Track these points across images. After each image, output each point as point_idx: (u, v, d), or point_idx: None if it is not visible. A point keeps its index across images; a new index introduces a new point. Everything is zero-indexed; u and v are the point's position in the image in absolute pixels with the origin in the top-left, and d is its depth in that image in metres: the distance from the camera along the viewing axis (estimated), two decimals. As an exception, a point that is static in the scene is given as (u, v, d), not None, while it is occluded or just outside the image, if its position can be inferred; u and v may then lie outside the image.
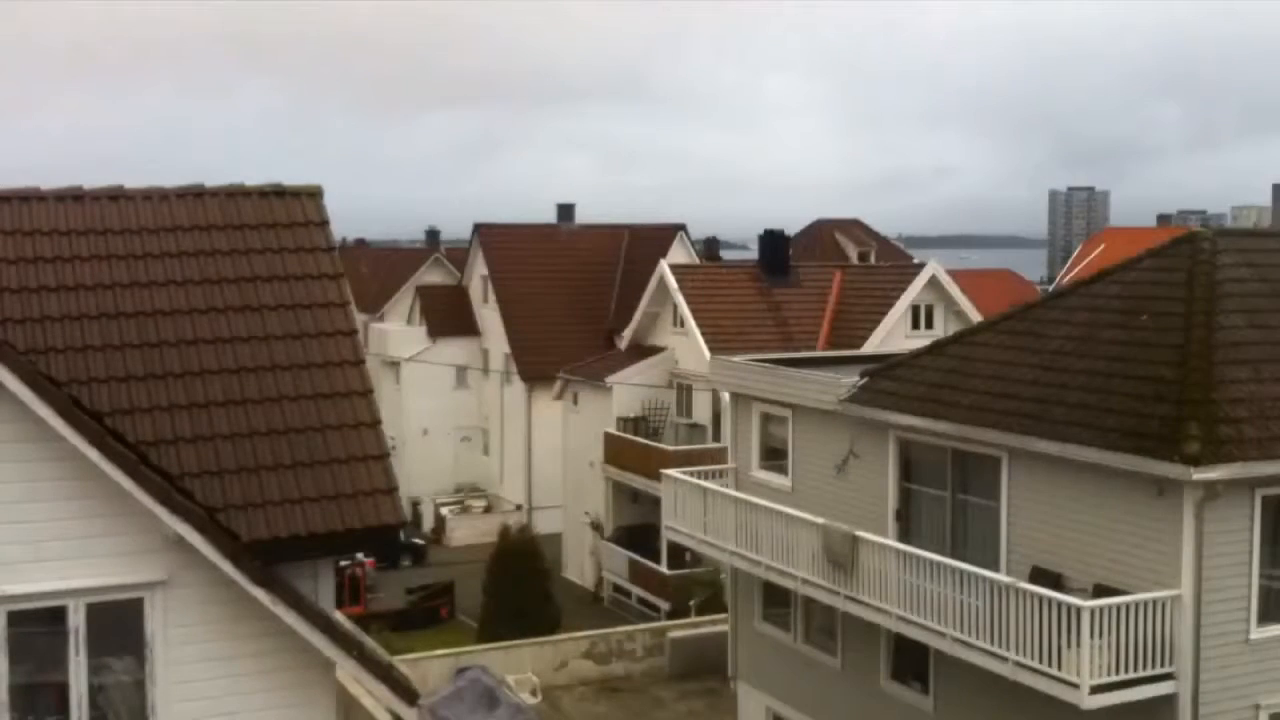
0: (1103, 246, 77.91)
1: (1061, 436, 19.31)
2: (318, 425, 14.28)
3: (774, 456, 26.58)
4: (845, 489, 23.98)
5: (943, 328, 42.36)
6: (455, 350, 64.37)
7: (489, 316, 63.38)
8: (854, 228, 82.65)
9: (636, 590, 43.67)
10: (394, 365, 65.22)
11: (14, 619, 12.27)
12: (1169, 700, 18.08)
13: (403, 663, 26.18)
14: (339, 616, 15.36)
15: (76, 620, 12.46)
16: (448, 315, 65.65)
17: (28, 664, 12.49)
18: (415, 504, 60.76)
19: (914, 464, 22.87)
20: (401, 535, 51.41)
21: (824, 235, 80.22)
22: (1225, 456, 17.62)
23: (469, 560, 47.14)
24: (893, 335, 42.36)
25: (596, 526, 46.76)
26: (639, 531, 43.78)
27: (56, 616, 12.46)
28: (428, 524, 61.51)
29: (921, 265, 47.33)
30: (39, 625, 12.47)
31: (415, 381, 64.33)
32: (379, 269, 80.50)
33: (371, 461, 14.21)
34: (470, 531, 57.99)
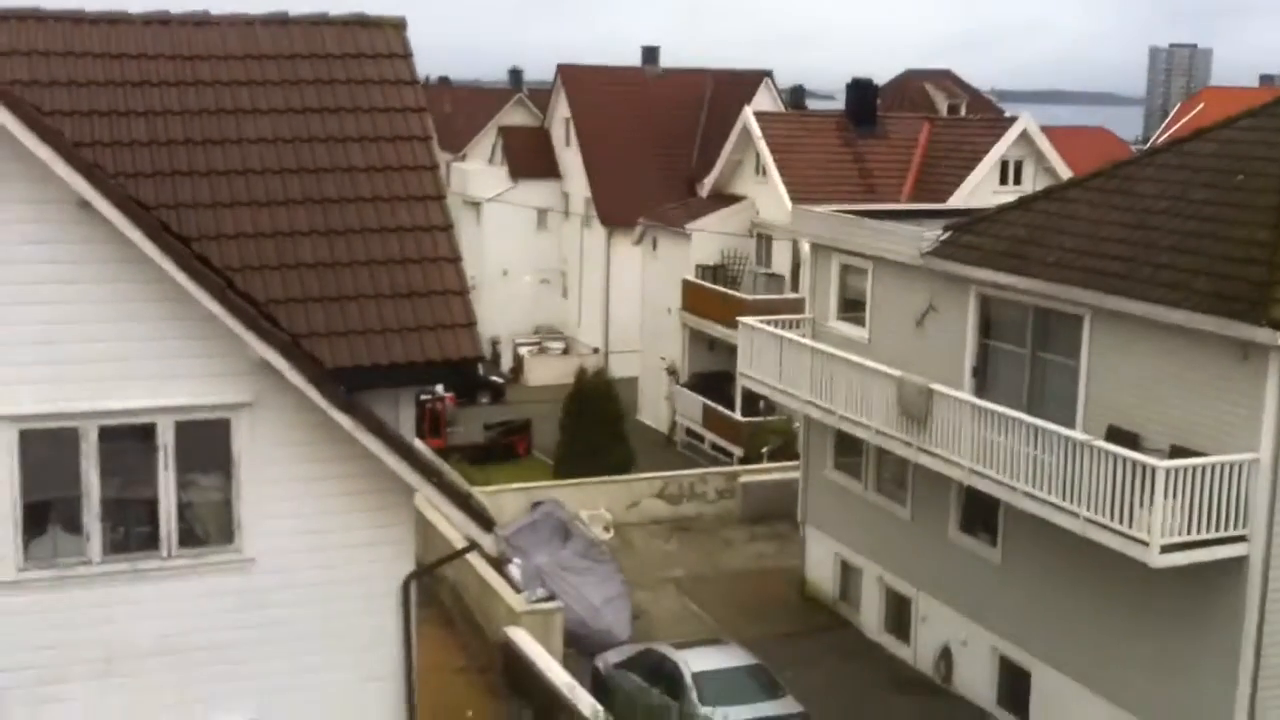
0: (1202, 106, 75.57)
1: (1147, 297, 19.02)
2: (399, 258, 14.44)
3: (852, 308, 26.48)
4: (922, 343, 23.88)
5: (1032, 184, 41.54)
6: (536, 192, 64.29)
7: (570, 159, 63.10)
8: (944, 80, 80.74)
9: (710, 436, 44.09)
10: (475, 206, 65.36)
11: (105, 434, 12.67)
12: (1240, 563, 18.06)
13: (480, 494, 26.79)
14: (419, 445, 15.72)
15: (165, 438, 12.84)
16: (529, 157, 65.44)
17: (119, 479, 12.93)
18: (494, 343, 61.46)
19: (993, 321, 22.68)
20: (480, 372, 52.31)
21: (913, 87, 78.46)
22: (1315, 321, 17.29)
23: (546, 400, 47.73)
24: (980, 190, 41.61)
25: (672, 372, 47.07)
26: (714, 378, 44.03)
27: (147, 434, 12.85)
28: (506, 363, 62.29)
29: (1012, 119, 46.24)
30: (130, 442, 12.88)
31: (496, 222, 64.49)
32: (461, 108, 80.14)
33: (452, 296, 14.38)
34: (547, 372, 58.63)
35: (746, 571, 29.66)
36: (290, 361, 12.67)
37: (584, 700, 19.35)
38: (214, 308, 12.42)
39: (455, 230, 15.22)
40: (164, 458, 12.88)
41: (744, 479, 33.68)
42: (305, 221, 14.39)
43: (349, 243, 14.39)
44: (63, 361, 12.35)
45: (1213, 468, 17.81)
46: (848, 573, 27.06)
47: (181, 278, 12.32)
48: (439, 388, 45.32)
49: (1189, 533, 17.88)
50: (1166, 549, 17.79)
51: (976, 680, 23.19)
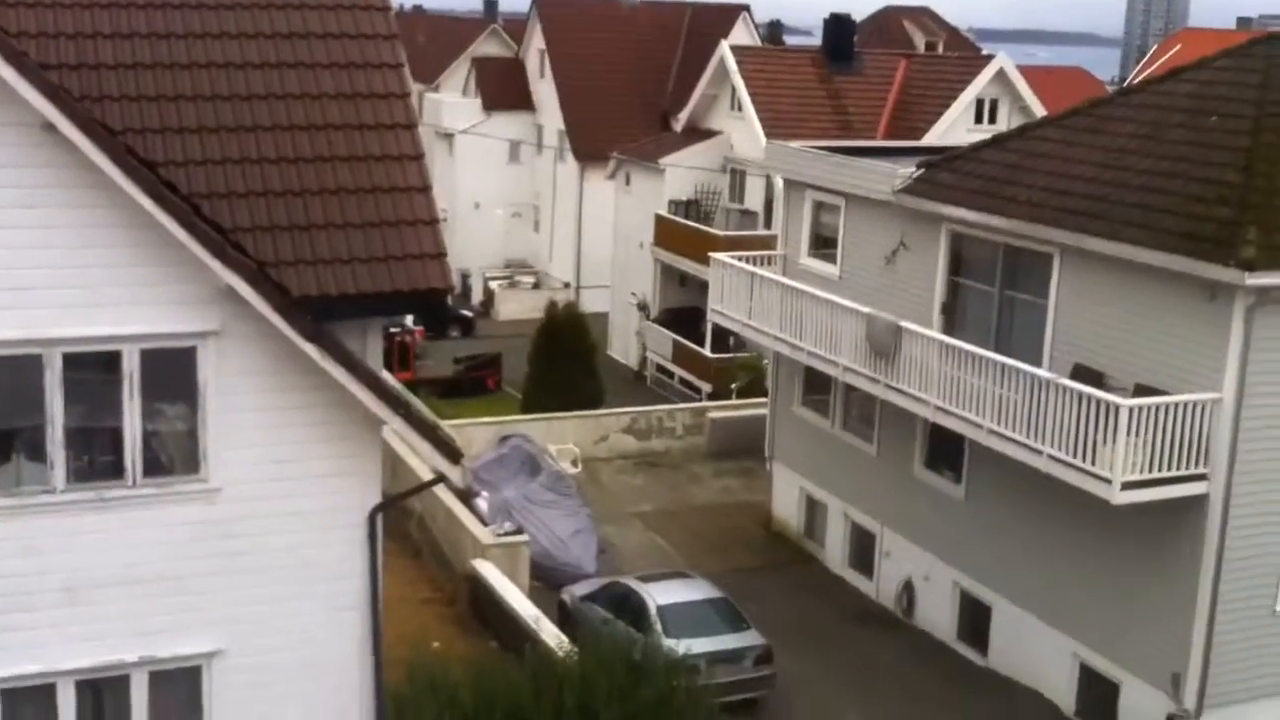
0: (1179, 47, 75.46)
1: (1117, 236, 19.10)
2: (369, 187, 14.28)
3: (824, 245, 26.48)
4: (893, 281, 23.93)
5: (1007, 123, 41.48)
6: (510, 124, 63.80)
7: (545, 91, 62.58)
8: (923, 16, 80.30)
9: (679, 372, 44.18)
10: (447, 138, 64.84)
11: (70, 362, 12.53)
12: (1200, 501, 18.29)
13: (448, 428, 26.80)
14: (388, 377, 15.68)
15: (130, 365, 12.72)
16: (503, 88, 64.87)
17: (83, 407, 12.84)
18: (464, 276, 61.27)
19: (964, 259, 22.74)
20: (450, 305, 52.06)
21: (891, 23, 78.05)
22: (1281, 263, 17.42)
23: (516, 334, 47.66)
24: (955, 129, 41.55)
25: (643, 307, 47.06)
26: (685, 314, 44.05)
27: (112, 362, 12.75)
28: (476, 297, 62.13)
29: (989, 58, 46.11)
30: (94, 370, 12.78)
31: (468, 155, 64.02)
32: (435, 38, 79.24)
33: (422, 226, 14.25)
34: (518, 306, 58.52)
35: (713, 506, 29.86)
36: (257, 290, 12.56)
37: (549, 632, 19.53)
38: (180, 234, 12.27)
39: (426, 160, 15.08)
40: (129, 386, 12.78)
41: (712, 415, 33.81)
42: (273, 148, 14.20)
43: (317, 170, 14.22)
44: (26, 288, 12.20)
45: (1176, 407, 17.98)
46: (813, 508, 27.27)
47: (147, 203, 12.17)
48: (408, 320, 45.19)
49: (1151, 470, 18.08)
50: (1128, 486, 18.00)
51: (937, 614, 23.48)
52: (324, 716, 13.90)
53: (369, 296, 13.51)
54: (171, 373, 12.91)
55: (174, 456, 13.21)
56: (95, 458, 12.97)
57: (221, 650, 13.40)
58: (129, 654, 13.10)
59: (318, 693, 13.85)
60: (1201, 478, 18.26)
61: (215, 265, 12.43)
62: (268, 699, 13.64)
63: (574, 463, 30.95)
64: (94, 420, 12.94)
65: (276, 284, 12.87)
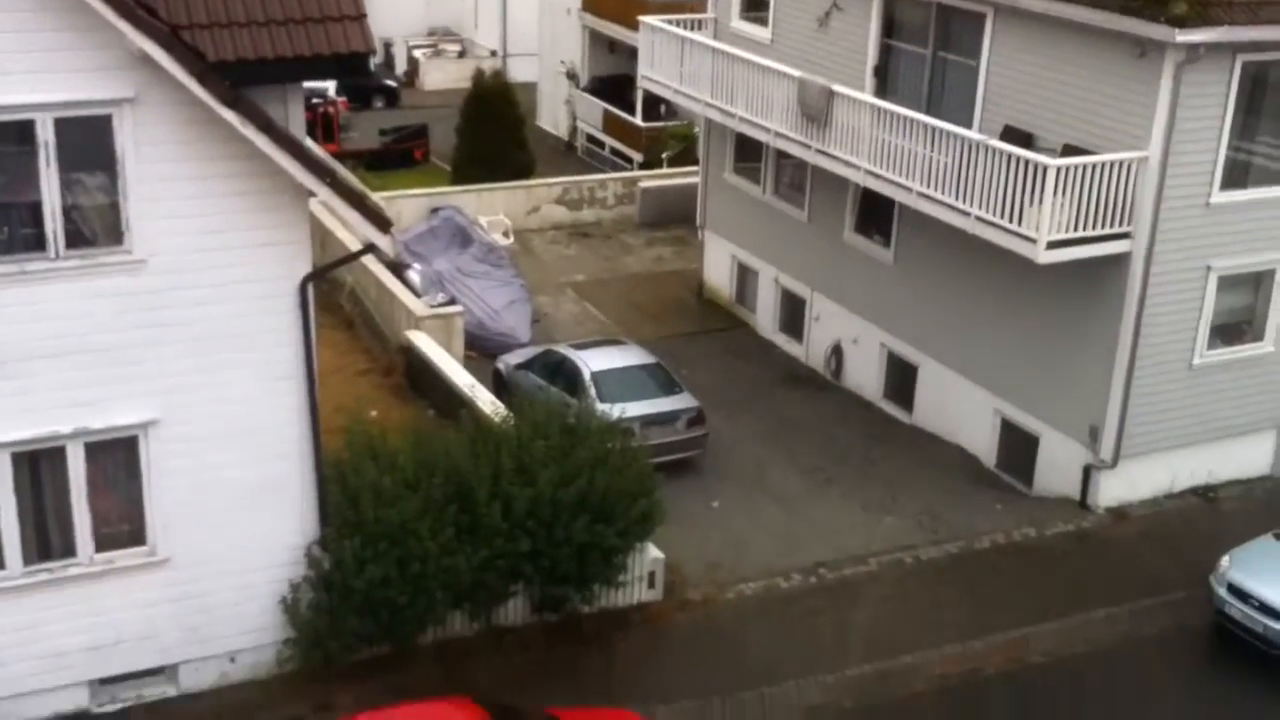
0: None
1: (1049, -7, 18.88)
2: (284, -54, 13.76)
3: (755, 7, 25.93)
4: (825, 44, 23.59)
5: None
6: (429, -116, 61.19)
7: None
8: None
9: (610, 141, 43.66)
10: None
11: (-18, 130, 12.23)
12: (1123, 259, 18.62)
13: (378, 200, 26.45)
14: (312, 145, 15.39)
15: (46, 135, 12.43)
16: None
17: (0, 179, 12.57)
18: (387, 45, 59.50)
19: (896, 20, 22.40)
20: (374, 73, 50.73)
21: None
22: (1211, 20, 17.33)
23: (442, 105, 46.65)
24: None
25: (572, 76, 46.16)
26: (614, 82, 43.27)
27: (25, 132, 12.42)
28: (400, 66, 60.50)
29: None
30: (9, 142, 12.45)
31: (387, -84, 61.41)
32: None
33: (340, -13, 13.80)
34: (443, 76, 57.10)
35: (645, 275, 29.99)
36: (170, 54, 12.19)
37: (485, 399, 19.76)
38: (87, -3, 11.84)
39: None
40: (45, 156, 12.49)
41: (644, 184, 33.64)
42: (180, -94, 13.60)
43: (229, -70, 13.66)
44: (-72, 56, 11.80)
45: (1102, 166, 18.11)
46: (745, 275, 27.47)
47: (49, -36, 11.69)
48: (330, 90, 44.09)
49: (1075, 230, 18.31)
50: (1053, 245, 18.25)
51: (865, 376, 24.00)
52: (264, 483, 14.13)
53: (288, 61, 13.14)
54: (88, 142, 12.66)
55: (96, 228, 13.05)
56: (15, 231, 12.78)
57: (157, 420, 13.50)
58: (63, 426, 13.18)
59: (257, 460, 14.05)
60: (1125, 236, 18.52)
61: (126, 28, 12.03)
62: (206, 466, 13.83)
63: (505, 234, 30.84)
64: (12, 194, 12.72)
65: (191, 48, 12.49)
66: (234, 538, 14.14)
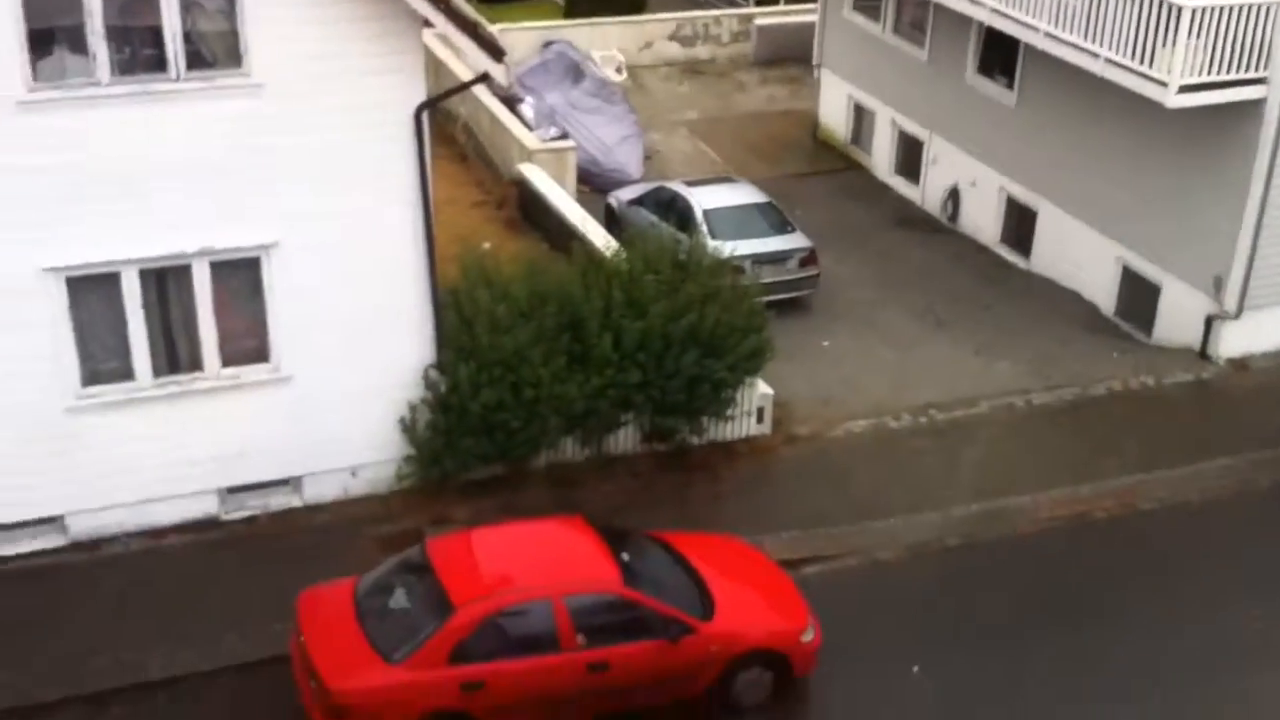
0: None
1: None
2: None
3: None
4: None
5: None
6: None
7: None
8: None
9: (726, -23, 42.73)
10: None
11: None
12: (1256, 105, 17.93)
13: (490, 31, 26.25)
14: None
15: (165, -45, 12.49)
16: None
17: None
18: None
19: None
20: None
21: None
22: None
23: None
24: None
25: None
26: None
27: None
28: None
29: None
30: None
31: None
32: None
33: None
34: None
35: (759, 114, 29.53)
36: (290, -126, 12.12)
37: (597, 233, 19.79)
38: None
39: None
40: (163, -23, 12.58)
41: (759, 21, 32.92)
42: None
43: None
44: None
45: (1239, 8, 17.35)
46: (861, 115, 26.94)
47: None
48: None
49: (1208, 74, 17.66)
50: (1184, 89, 17.64)
51: (982, 220, 23.56)
52: (382, 307, 14.41)
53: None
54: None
55: (215, 51, 13.18)
56: (138, 52, 12.92)
57: (278, 242, 13.75)
58: (188, 245, 13.48)
59: (376, 284, 14.31)
60: (1260, 81, 17.81)
61: None
62: (327, 288, 14.11)
63: (618, 69, 30.50)
64: (134, 16, 12.82)
65: None
66: (354, 358, 14.49)
